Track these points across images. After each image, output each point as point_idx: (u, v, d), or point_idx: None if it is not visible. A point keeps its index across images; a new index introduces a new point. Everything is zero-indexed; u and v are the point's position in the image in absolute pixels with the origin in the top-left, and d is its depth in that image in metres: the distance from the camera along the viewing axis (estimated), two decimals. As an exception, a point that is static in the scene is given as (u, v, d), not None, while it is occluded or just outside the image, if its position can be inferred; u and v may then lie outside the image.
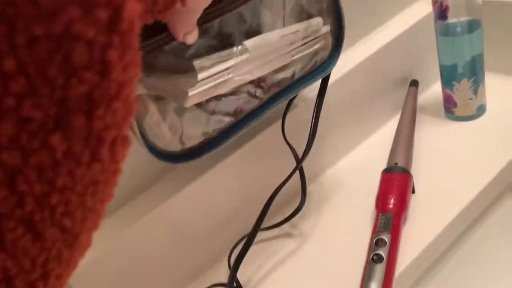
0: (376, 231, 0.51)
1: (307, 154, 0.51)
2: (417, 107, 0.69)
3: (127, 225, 0.50)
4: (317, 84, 0.53)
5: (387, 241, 0.49)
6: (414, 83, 0.70)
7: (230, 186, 0.56)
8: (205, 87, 0.38)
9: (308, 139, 0.51)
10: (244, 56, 0.39)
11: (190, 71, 0.37)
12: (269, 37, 0.41)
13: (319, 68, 0.49)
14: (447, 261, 0.56)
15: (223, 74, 0.38)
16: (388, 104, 0.70)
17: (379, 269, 0.46)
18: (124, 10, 0.14)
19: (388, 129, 0.68)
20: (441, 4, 0.58)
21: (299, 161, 0.53)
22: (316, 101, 0.52)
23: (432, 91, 0.73)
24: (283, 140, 0.55)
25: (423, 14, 0.67)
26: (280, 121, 0.56)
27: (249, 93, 0.44)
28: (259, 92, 0.45)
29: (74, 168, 0.15)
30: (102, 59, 0.14)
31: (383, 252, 0.48)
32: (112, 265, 0.49)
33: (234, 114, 0.44)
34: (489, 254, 0.56)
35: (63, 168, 0.15)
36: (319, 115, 0.52)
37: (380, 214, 0.52)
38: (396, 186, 0.54)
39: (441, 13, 0.59)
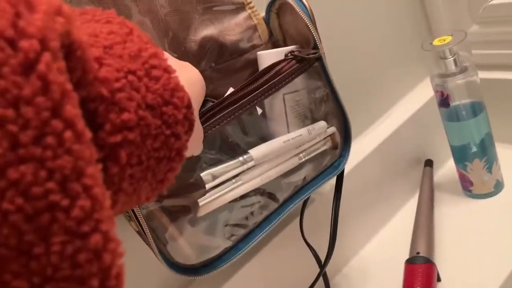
0: (404, 329, 0.50)
1: (329, 260, 0.52)
2: (435, 185, 0.70)
3: None
4: (332, 179, 0.54)
5: None
6: (429, 163, 0.71)
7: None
8: (215, 196, 0.40)
9: (329, 244, 0.52)
10: (249, 164, 0.41)
11: (198, 182, 0.39)
12: (273, 144, 0.44)
13: (330, 168, 0.50)
14: None
15: (231, 183, 0.41)
16: (405, 187, 0.71)
17: None
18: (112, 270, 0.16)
19: (408, 211, 0.68)
20: (442, 94, 0.60)
21: (321, 267, 0.53)
22: (334, 201, 0.53)
23: (448, 168, 0.73)
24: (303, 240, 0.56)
25: (427, 97, 0.70)
26: (298, 219, 0.57)
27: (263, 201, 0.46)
28: (270, 201, 0.47)
29: None
30: None
31: None
32: None
33: (250, 223, 0.46)
34: None
35: None
36: (337, 217, 0.53)
37: (407, 309, 0.52)
38: (420, 278, 0.54)
39: (443, 101, 0.61)
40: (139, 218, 0.37)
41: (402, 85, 0.73)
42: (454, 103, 0.61)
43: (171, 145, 0.23)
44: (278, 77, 0.44)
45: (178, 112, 0.23)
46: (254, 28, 0.50)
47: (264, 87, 0.43)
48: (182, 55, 0.45)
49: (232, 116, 0.42)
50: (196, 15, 0.46)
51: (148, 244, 0.40)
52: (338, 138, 0.52)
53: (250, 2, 0.50)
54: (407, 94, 0.73)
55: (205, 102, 0.49)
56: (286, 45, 0.51)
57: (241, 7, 0.50)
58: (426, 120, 0.70)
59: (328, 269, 0.58)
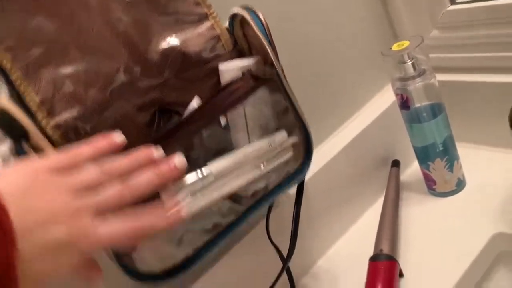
0: (365, 324, 0.52)
1: (289, 259, 0.54)
2: (401, 185, 0.72)
3: None
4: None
5: (375, 334, 0.50)
6: (396, 164, 0.73)
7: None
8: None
9: (290, 245, 0.54)
10: (209, 179, 0.43)
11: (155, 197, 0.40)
12: (233, 158, 0.45)
13: (291, 176, 0.52)
14: None
15: (189, 199, 0.41)
16: (372, 187, 0.73)
17: None
18: None
19: (375, 211, 0.70)
20: (402, 96, 0.62)
21: (284, 263, 0.55)
22: (294, 209, 0.55)
23: (414, 168, 0.76)
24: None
25: (391, 100, 0.72)
26: (264, 220, 0.59)
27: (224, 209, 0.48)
28: (234, 207, 0.48)
29: None
30: None
31: None
32: None
33: (213, 229, 0.47)
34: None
35: None
36: (298, 224, 0.55)
37: (369, 305, 0.54)
38: (382, 275, 0.56)
39: (403, 104, 0.63)
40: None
41: (367, 88, 0.75)
42: (414, 105, 0.63)
43: None
44: (236, 96, 0.46)
45: None
46: (218, 38, 0.51)
47: (223, 106, 0.45)
48: (144, 66, 0.47)
49: (192, 134, 0.44)
50: (158, 26, 0.48)
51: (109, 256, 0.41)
52: (300, 149, 0.53)
53: (213, 12, 0.51)
54: (373, 97, 0.76)
55: (169, 112, 0.51)
56: (251, 54, 0.53)
57: (203, 17, 0.51)
58: (392, 122, 0.73)
59: (295, 270, 0.60)
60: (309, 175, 0.58)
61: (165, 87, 0.48)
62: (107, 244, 0.34)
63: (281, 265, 0.57)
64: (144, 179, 0.36)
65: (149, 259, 0.44)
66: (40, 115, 0.42)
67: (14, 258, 0.26)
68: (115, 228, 0.33)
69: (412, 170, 0.76)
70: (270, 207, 0.59)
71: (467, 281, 0.57)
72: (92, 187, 0.33)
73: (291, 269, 0.61)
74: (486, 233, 0.60)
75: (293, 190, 0.62)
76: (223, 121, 0.48)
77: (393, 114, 0.72)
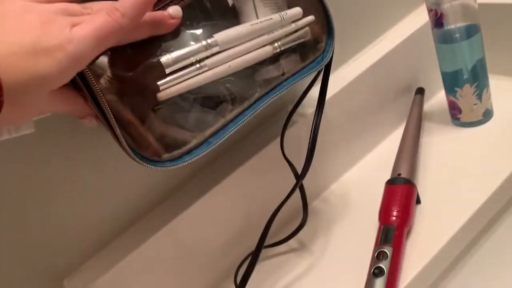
0: (378, 244, 0.50)
1: (307, 171, 0.51)
2: (423, 114, 0.69)
3: (134, 246, 0.51)
4: (316, 96, 0.53)
5: (388, 254, 0.48)
6: (420, 91, 0.69)
7: (233, 205, 0.57)
8: (177, 80, 0.38)
9: (307, 154, 0.51)
10: (214, 50, 0.39)
11: (158, 68, 0.37)
12: (240, 28, 0.41)
13: (313, 63, 0.48)
14: (453, 276, 0.55)
15: (195, 68, 0.38)
16: (393, 114, 0.70)
17: (380, 283, 0.46)
18: None
19: (395, 138, 0.68)
20: (436, 12, 0.58)
21: (298, 178, 0.53)
22: (315, 112, 0.52)
23: (438, 97, 0.72)
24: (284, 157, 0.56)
25: (422, 22, 0.67)
26: (279, 139, 0.57)
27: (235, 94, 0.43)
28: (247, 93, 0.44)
29: None
30: None
31: (384, 265, 0.47)
32: (122, 285, 0.51)
33: (224, 114, 0.44)
34: (499, 267, 0.54)
35: None
36: (318, 128, 0.51)
37: (383, 226, 0.52)
38: (399, 198, 0.54)
39: (437, 21, 0.58)
40: (107, 114, 0.35)
41: (397, 9, 0.70)
42: (448, 26, 0.58)
43: None
44: None
45: None
46: None
47: None
48: None
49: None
50: None
51: (115, 136, 0.38)
52: (318, 30, 0.48)
53: None
54: (403, 19, 0.71)
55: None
56: None
57: None
58: (420, 47, 0.68)
59: (308, 193, 0.58)
60: (328, 95, 0.55)
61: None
62: (92, 42, 0.30)
63: (293, 182, 0.54)
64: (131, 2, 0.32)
65: (154, 143, 0.40)
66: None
67: None
68: (97, 22, 0.30)
69: (435, 100, 0.72)
70: (286, 122, 0.56)
71: (484, 213, 0.55)
72: (71, 13, 0.30)
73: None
74: (508, 167, 0.57)
75: (310, 110, 0.60)
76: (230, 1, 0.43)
77: (423, 39, 0.67)
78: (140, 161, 0.38)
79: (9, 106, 0.26)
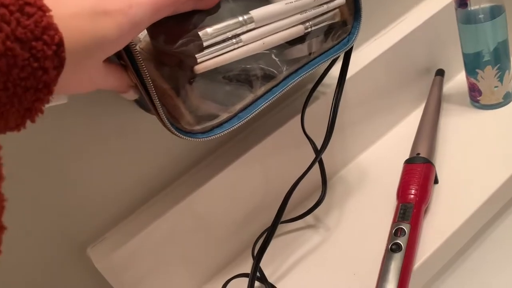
0: (395, 220, 0.51)
1: (326, 145, 0.52)
2: (443, 96, 0.69)
3: (153, 219, 0.52)
4: (337, 75, 0.53)
5: (406, 230, 0.49)
6: (440, 73, 0.69)
7: (253, 180, 0.58)
8: (214, 54, 0.38)
9: (327, 129, 0.52)
10: (250, 26, 0.40)
11: (196, 40, 0.38)
12: (275, 5, 0.42)
13: (339, 45, 0.48)
14: (469, 254, 0.55)
15: (230, 42, 0.39)
16: (412, 95, 0.70)
17: (397, 258, 0.47)
18: None
19: (413, 120, 0.68)
20: (461, -8, 0.57)
21: (318, 153, 0.54)
22: (336, 91, 0.52)
23: (458, 80, 0.72)
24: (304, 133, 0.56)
25: (444, 3, 0.67)
26: (299, 115, 0.57)
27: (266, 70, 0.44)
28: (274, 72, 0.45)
29: None
30: None
31: (401, 241, 0.48)
32: (140, 257, 0.52)
33: (254, 90, 0.44)
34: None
35: None
36: (338, 104, 0.52)
37: (401, 204, 0.52)
38: (417, 176, 0.54)
39: (462, 0, 0.58)
40: (147, 84, 0.35)
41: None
42: (473, 7, 0.58)
43: (38, 77, 0.25)
44: None
45: (48, 48, 0.25)
46: None
47: None
48: None
49: None
50: None
51: (153, 106, 0.38)
52: (346, 13, 0.49)
53: None
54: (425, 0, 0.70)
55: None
56: None
57: None
58: (441, 27, 0.68)
59: (326, 170, 0.59)
60: (348, 74, 0.55)
61: None
62: (149, 11, 0.31)
63: (312, 157, 0.55)
64: None
65: (186, 115, 0.41)
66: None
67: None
68: None
69: (455, 82, 0.72)
70: (307, 99, 0.56)
71: (501, 195, 0.55)
72: None
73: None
74: (529, 149, 0.57)
75: (331, 87, 0.60)
76: None
77: (444, 21, 0.67)
78: (175, 132, 0.39)
79: (70, 68, 0.27)
